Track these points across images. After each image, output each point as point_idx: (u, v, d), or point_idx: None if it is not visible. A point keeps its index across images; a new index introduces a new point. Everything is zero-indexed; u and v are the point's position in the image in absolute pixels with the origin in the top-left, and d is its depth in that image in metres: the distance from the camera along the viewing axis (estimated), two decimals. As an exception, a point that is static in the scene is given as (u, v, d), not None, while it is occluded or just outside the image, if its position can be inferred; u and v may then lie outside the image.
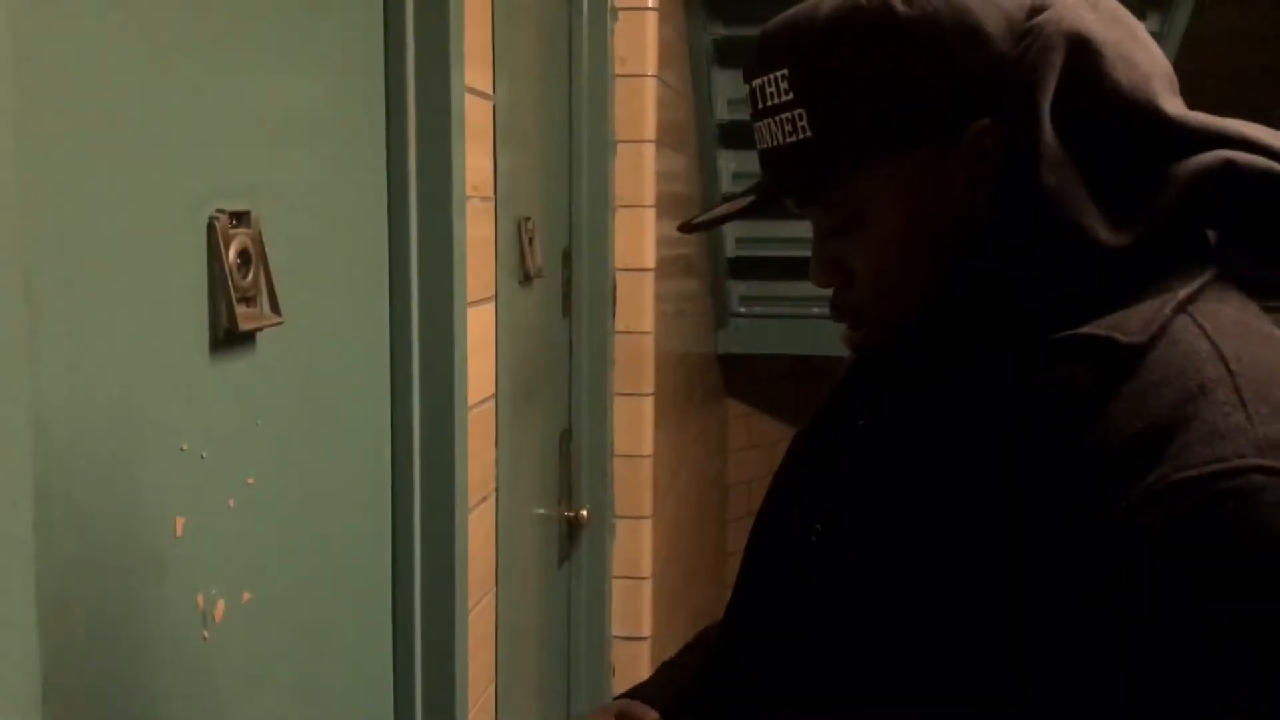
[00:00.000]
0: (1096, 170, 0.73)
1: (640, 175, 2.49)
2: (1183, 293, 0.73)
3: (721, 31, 3.01)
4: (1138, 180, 0.74)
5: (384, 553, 1.44)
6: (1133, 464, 0.66)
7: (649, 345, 2.54)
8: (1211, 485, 0.63)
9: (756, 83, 0.80)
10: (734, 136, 3.14)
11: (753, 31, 2.94)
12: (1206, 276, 0.75)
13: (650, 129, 2.49)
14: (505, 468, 1.76)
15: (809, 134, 0.77)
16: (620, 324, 2.50)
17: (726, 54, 3.03)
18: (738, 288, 3.56)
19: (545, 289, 2.19)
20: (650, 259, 2.52)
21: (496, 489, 1.72)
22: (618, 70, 2.44)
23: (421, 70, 1.41)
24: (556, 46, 2.30)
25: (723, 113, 3.12)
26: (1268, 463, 0.63)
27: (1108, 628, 0.65)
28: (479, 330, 1.61)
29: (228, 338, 1.03)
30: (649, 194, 2.51)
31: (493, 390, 1.70)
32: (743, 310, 3.60)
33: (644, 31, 2.45)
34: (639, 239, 2.50)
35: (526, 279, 2.02)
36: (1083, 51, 0.73)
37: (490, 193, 1.67)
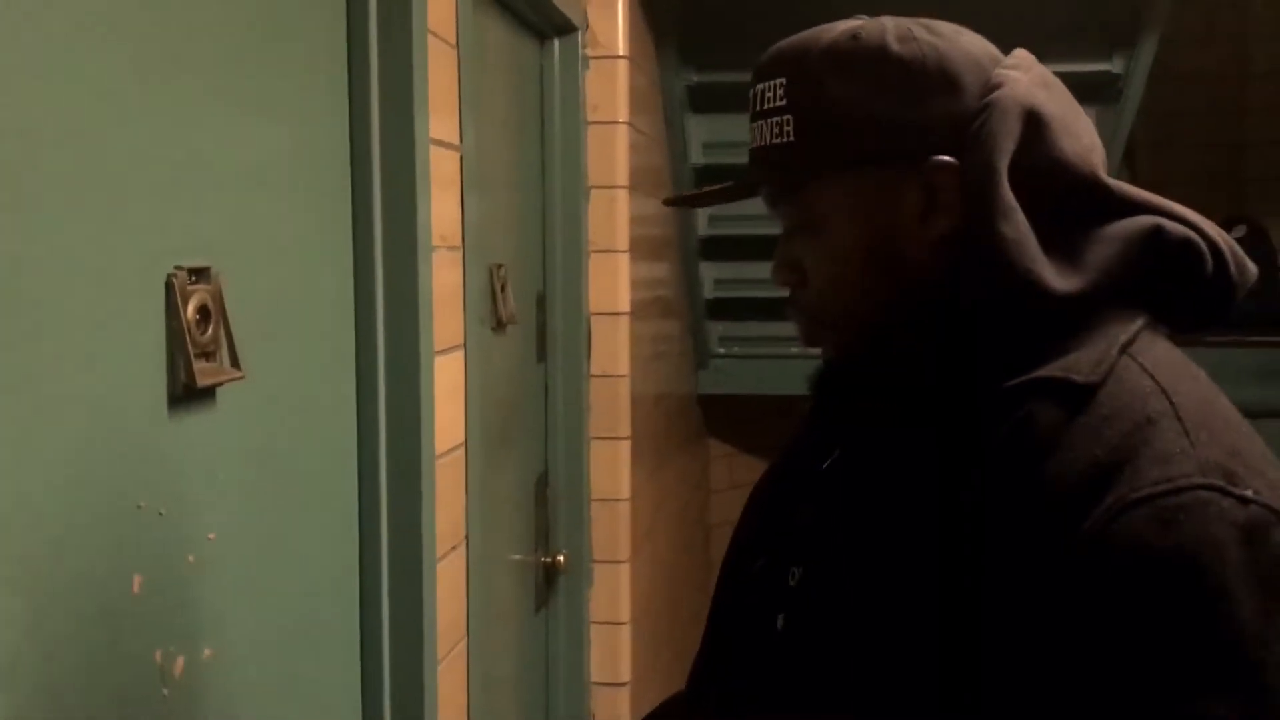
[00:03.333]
0: (1044, 226, 0.81)
1: (613, 220, 2.50)
2: (1123, 337, 0.80)
3: (694, 78, 3.04)
4: (1079, 237, 0.83)
5: (351, 605, 1.43)
6: (1091, 489, 0.72)
7: (625, 389, 2.54)
8: (1165, 501, 0.71)
9: (759, 87, 0.89)
10: (709, 180, 3.14)
11: (725, 78, 2.99)
12: (1140, 322, 0.83)
13: (623, 174, 2.51)
14: (476, 515, 1.75)
15: (791, 138, 0.86)
16: (596, 368, 2.50)
17: (700, 100, 3.06)
18: (717, 328, 3.57)
19: (519, 335, 2.19)
20: (625, 302, 2.53)
21: (467, 537, 1.71)
22: (590, 117, 2.46)
23: (386, 121, 1.42)
24: (528, 94, 2.32)
25: (697, 157, 3.15)
26: (1210, 481, 0.71)
27: (1073, 646, 0.70)
28: (448, 378, 1.61)
29: (186, 394, 1.03)
30: (622, 238, 2.52)
31: (462, 438, 1.70)
32: (722, 351, 3.61)
33: (615, 79, 2.48)
34: (613, 283, 2.52)
35: (499, 325, 2.03)
36: (1036, 122, 0.82)
37: (458, 241, 1.68)
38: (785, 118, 0.86)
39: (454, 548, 1.65)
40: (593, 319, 2.49)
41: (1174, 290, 0.84)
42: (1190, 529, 0.69)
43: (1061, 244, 0.81)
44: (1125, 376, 0.78)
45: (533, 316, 2.32)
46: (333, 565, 1.39)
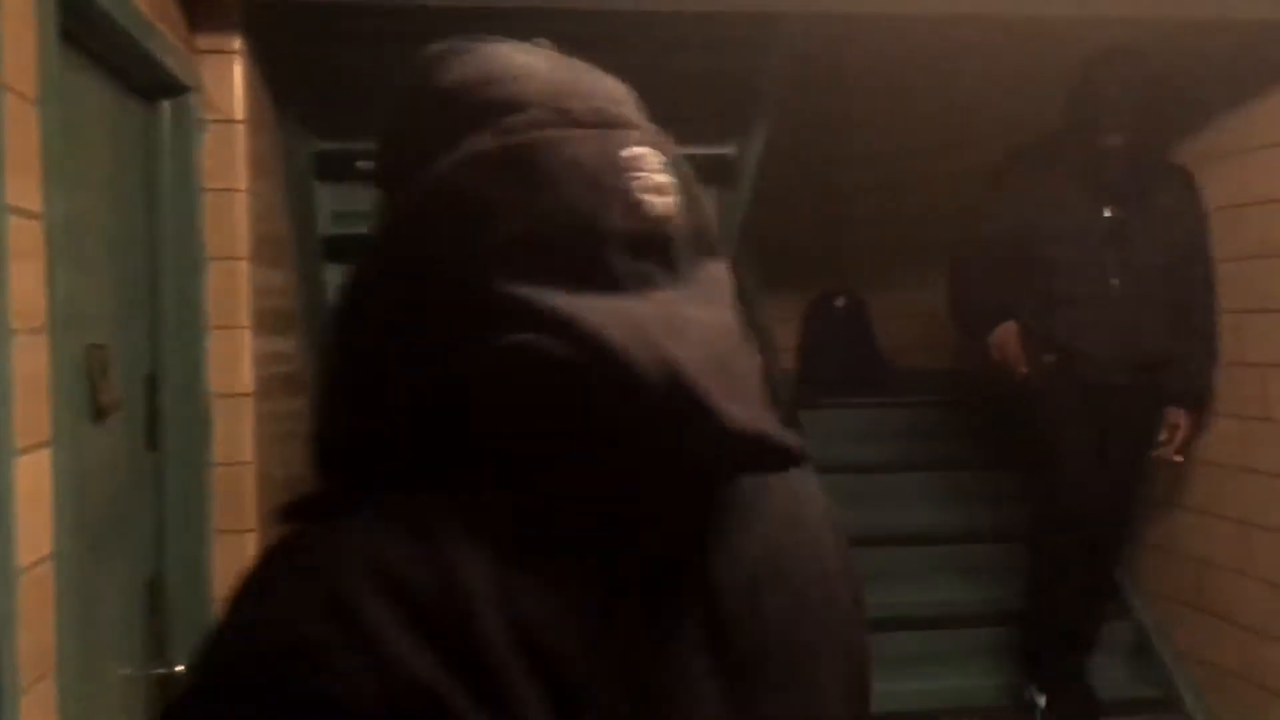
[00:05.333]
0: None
1: (234, 292, 2.33)
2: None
3: (320, 145, 2.92)
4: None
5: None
6: None
7: (251, 476, 2.35)
8: None
9: None
10: (339, 250, 3.03)
11: (351, 145, 2.88)
12: None
13: (244, 244, 2.35)
14: (71, 634, 1.53)
15: None
16: (218, 454, 2.30)
17: (327, 168, 2.94)
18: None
19: (124, 422, 1.97)
20: (248, 381, 2.35)
21: (58, 662, 1.49)
22: (206, 184, 2.29)
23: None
24: (134, 158, 2.12)
25: (326, 227, 3.02)
26: None
27: None
28: (31, 480, 1.40)
29: None
30: (244, 312, 2.35)
31: (50, 548, 1.48)
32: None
33: (233, 144, 2.33)
34: (235, 360, 2.33)
35: (100, 413, 1.81)
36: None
37: (43, 321, 1.48)
38: None
39: (41, 677, 1.43)
40: (212, 400, 2.29)
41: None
42: None
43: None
44: None
45: (141, 400, 2.10)
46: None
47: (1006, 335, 3.32)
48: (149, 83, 2.13)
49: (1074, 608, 3.46)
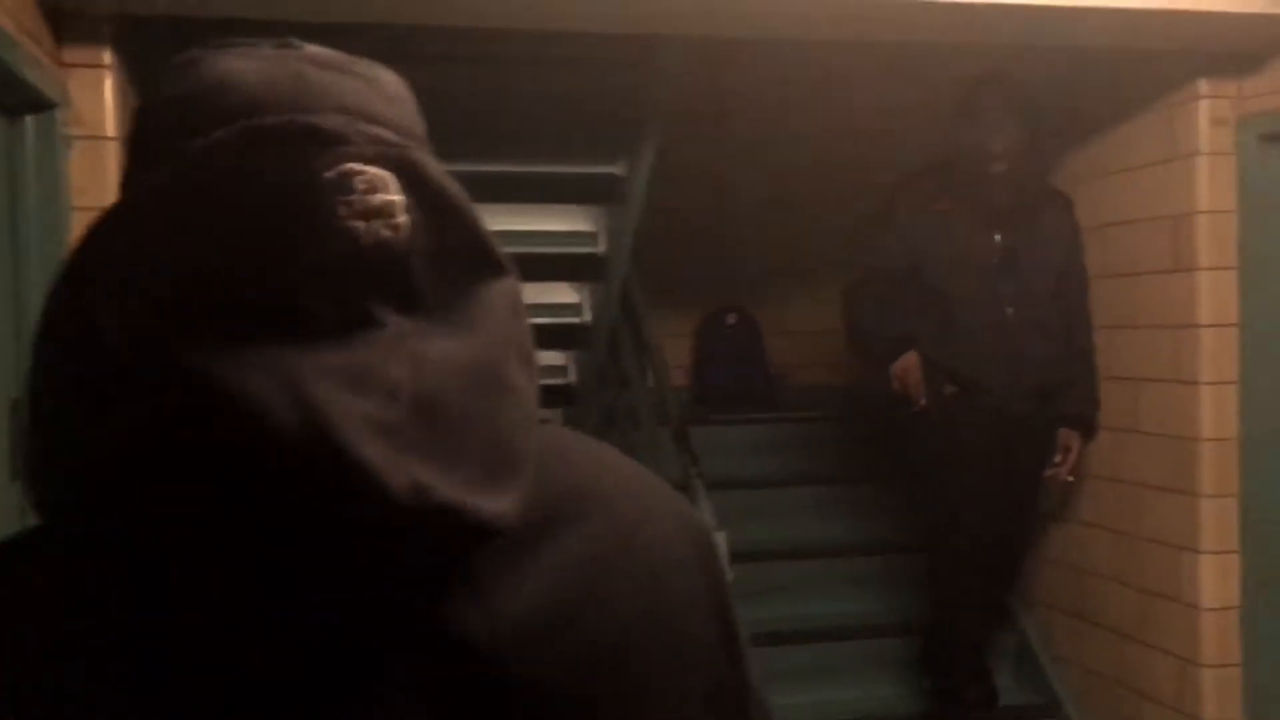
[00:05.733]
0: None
1: (106, 316, 2.25)
2: None
3: (199, 161, 2.84)
4: None
5: None
6: None
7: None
8: None
9: None
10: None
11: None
12: None
13: (116, 265, 2.27)
14: None
15: None
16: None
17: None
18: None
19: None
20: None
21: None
22: (75, 201, 2.21)
23: None
24: (-5, 175, 2.04)
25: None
26: None
27: None
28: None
29: None
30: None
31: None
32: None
33: (104, 160, 2.25)
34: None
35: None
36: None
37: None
38: None
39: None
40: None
41: None
42: None
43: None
44: None
45: (4, 428, 2.01)
46: None
47: (908, 366, 3.30)
48: (11, 98, 2.05)
49: (975, 630, 3.53)
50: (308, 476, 0.57)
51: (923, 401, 3.29)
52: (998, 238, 3.27)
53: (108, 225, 0.63)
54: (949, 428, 3.28)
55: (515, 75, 2.96)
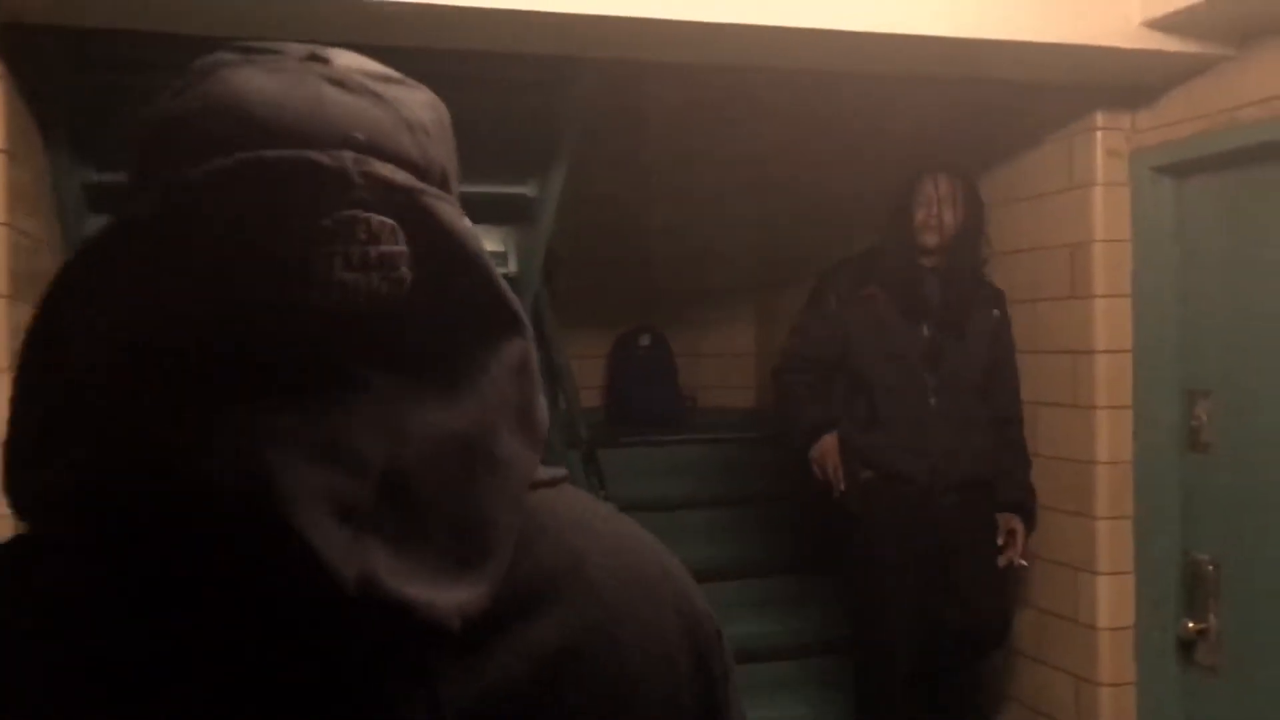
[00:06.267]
0: None
1: (-9, 334, 2.17)
2: None
3: (94, 177, 2.76)
4: None
5: None
6: None
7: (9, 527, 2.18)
8: None
9: None
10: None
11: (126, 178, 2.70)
12: None
13: (2, 281, 2.19)
14: None
15: None
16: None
17: (100, 200, 2.78)
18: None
19: None
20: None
21: None
22: (-40, 215, 2.13)
23: None
24: None
25: (101, 261, 2.84)
26: None
27: None
28: None
29: None
30: (2, 353, 2.19)
31: None
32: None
33: (-9, 173, 2.17)
34: (-10, 407, 2.17)
35: None
36: None
37: None
38: None
39: None
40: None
41: None
42: None
43: None
44: None
45: None
46: None
47: (825, 450, 3.26)
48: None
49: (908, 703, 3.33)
50: (252, 548, 0.53)
51: (842, 487, 3.24)
52: (925, 330, 3.25)
53: (89, 249, 0.59)
54: (869, 515, 3.21)
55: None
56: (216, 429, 0.54)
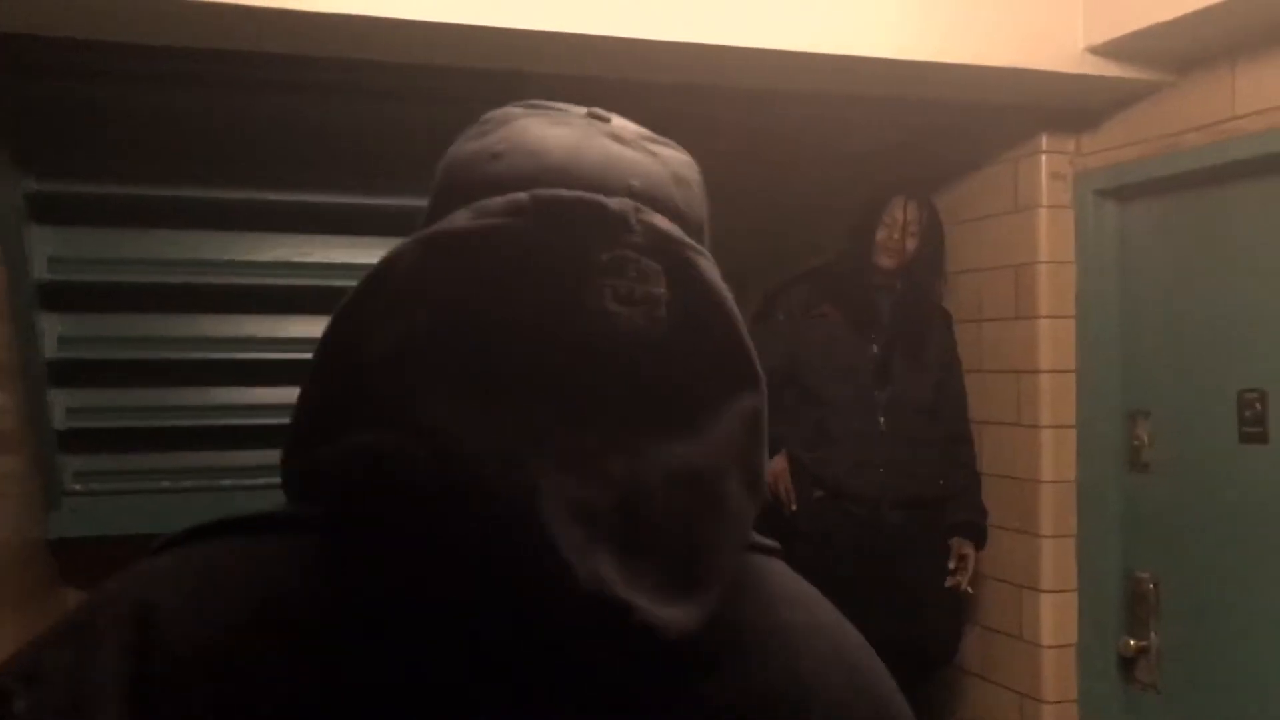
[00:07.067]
0: None
1: (-78, 344, 2.13)
2: None
3: (35, 186, 2.72)
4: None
5: None
6: None
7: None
8: None
9: None
10: (56, 297, 2.83)
11: (71, 188, 2.68)
12: None
13: (-64, 291, 2.15)
14: None
15: None
16: (-105, 521, 2.08)
17: (42, 209, 2.74)
18: (72, 463, 3.18)
19: None
20: (-63, 442, 2.14)
21: None
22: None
23: None
24: None
25: (41, 272, 2.80)
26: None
27: None
28: None
29: None
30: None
31: None
32: (79, 488, 3.21)
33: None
34: (-79, 419, 2.12)
35: None
36: None
37: None
38: None
39: None
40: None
41: None
42: None
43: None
44: None
45: None
46: None
47: (777, 468, 3.25)
48: None
49: None
50: (503, 540, 0.58)
51: (794, 506, 3.24)
52: (875, 348, 3.27)
53: (401, 254, 0.66)
54: (821, 533, 3.20)
55: (375, 107, 2.92)
56: (488, 431, 0.59)
